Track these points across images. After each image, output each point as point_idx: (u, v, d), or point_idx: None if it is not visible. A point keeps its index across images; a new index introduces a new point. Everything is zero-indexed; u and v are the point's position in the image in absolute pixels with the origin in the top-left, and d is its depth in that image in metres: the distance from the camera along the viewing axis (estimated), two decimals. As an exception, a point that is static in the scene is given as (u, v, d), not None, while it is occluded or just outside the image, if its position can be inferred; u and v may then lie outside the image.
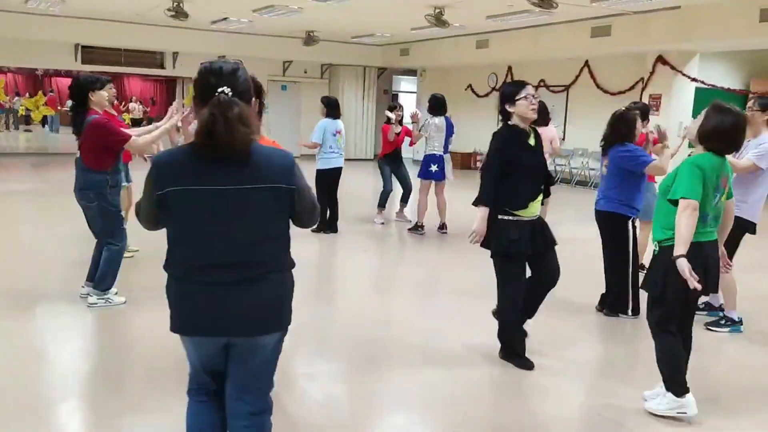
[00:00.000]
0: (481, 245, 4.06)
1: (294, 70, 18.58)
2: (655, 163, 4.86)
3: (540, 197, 4.07)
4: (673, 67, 11.91)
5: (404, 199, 9.21)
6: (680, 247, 3.26)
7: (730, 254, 4.88)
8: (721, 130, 3.38)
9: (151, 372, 3.95)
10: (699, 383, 3.76)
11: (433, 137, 8.07)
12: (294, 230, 2.34)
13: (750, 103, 5.01)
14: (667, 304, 3.44)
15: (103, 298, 5.08)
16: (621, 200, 5.00)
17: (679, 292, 3.34)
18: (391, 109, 8.78)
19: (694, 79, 11.86)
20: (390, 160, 8.94)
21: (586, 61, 14.01)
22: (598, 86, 13.68)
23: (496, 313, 4.28)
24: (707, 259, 3.42)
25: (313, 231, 7.66)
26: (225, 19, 13.99)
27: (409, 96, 20.20)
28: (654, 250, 3.54)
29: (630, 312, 5.12)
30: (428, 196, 8.26)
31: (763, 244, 6.45)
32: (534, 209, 4.01)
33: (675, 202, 3.36)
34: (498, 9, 11.38)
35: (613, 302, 5.20)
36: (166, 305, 2.28)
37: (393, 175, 8.95)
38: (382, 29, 15.37)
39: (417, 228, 8.30)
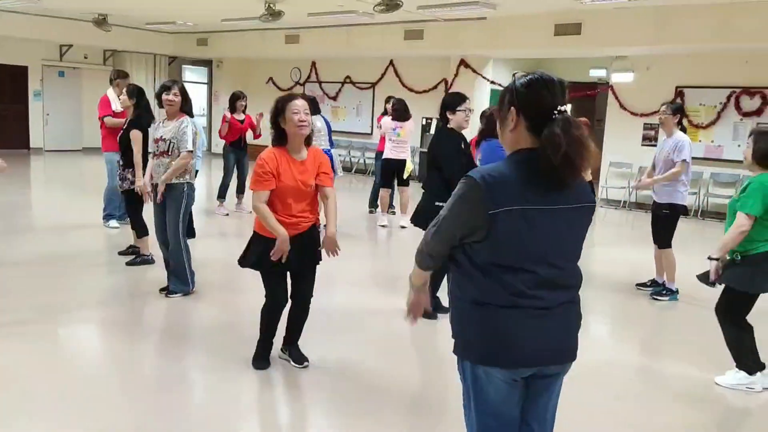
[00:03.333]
0: None
1: (73, 55, 16.82)
2: None
3: None
4: (474, 70, 13.34)
5: (241, 191, 9.47)
6: (719, 252, 3.85)
7: (667, 235, 5.83)
8: None
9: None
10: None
11: (315, 135, 8.16)
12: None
13: (663, 108, 5.83)
14: (749, 300, 3.92)
15: None
16: None
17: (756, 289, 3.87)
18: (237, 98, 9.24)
19: (492, 82, 13.43)
20: (235, 148, 9.34)
21: (391, 61, 14.96)
22: (403, 85, 14.69)
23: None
24: None
25: None
26: (5, -6, 12.23)
27: (198, 87, 19.47)
28: (734, 259, 3.90)
29: None
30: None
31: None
32: None
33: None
34: (325, 7, 11.67)
35: None
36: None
37: (236, 165, 9.34)
38: (186, 17, 14.67)
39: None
